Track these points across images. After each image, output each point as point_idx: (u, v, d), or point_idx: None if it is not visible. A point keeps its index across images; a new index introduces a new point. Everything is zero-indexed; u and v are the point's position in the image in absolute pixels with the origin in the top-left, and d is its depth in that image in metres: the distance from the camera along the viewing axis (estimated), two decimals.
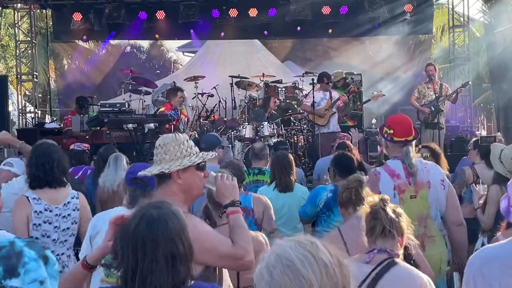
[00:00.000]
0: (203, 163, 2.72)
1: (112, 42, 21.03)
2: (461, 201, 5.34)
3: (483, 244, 4.43)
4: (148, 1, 13.03)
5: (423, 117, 10.21)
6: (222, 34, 14.05)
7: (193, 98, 11.42)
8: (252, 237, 3.37)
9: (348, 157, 4.98)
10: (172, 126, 8.99)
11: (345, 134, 7.89)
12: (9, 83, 14.48)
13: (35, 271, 1.48)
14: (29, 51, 14.23)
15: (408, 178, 4.05)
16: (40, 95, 15.27)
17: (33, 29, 14.12)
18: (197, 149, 2.75)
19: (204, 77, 11.97)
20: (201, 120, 11.12)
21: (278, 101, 10.97)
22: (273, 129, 9.67)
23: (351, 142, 7.11)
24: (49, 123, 11.63)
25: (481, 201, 4.85)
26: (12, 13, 15.05)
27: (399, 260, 2.73)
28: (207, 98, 11.65)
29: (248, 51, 18.28)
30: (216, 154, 2.94)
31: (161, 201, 2.20)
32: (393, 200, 3.12)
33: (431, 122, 10.07)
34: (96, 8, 12.93)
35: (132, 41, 25.43)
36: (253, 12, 13.11)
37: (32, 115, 14.34)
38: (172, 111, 9.33)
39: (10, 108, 13.94)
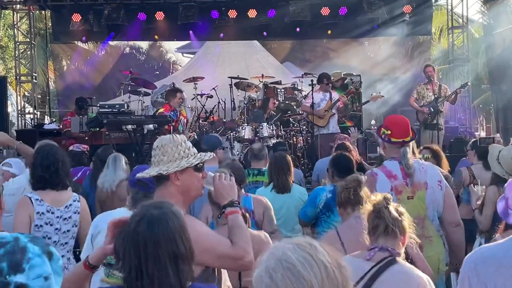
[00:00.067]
0: (201, 164, 2.72)
1: (111, 43, 21.08)
2: (458, 202, 5.35)
3: (480, 245, 4.44)
4: (147, 2, 13.04)
5: (422, 118, 10.23)
6: (221, 35, 14.06)
7: (192, 99, 11.41)
8: (255, 235, 3.38)
9: (347, 157, 4.99)
10: (171, 127, 9.00)
11: (345, 135, 7.90)
12: (8, 84, 14.50)
13: (40, 267, 1.48)
14: (28, 52, 14.23)
15: (405, 179, 4.05)
16: (39, 96, 15.25)
17: (32, 30, 14.12)
18: (195, 150, 2.75)
19: (203, 78, 11.96)
20: (200, 121, 11.12)
21: (277, 102, 10.98)
22: (272, 130, 9.68)
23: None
24: (48, 124, 11.62)
25: (479, 202, 4.86)
26: (11, 14, 15.06)
27: (400, 259, 2.74)
28: (206, 99, 11.65)
29: (247, 52, 18.30)
30: (214, 154, 2.94)
31: (162, 201, 2.20)
32: None
33: (430, 123, 10.09)
34: (95, 9, 12.93)
35: (131, 42, 25.49)
36: (252, 13, 13.12)
37: (31, 116, 14.33)
38: (171, 112, 9.33)
39: (9, 109, 13.91)
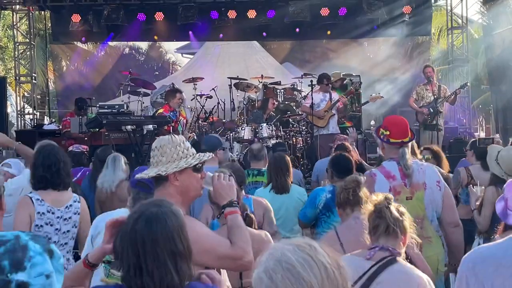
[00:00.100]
0: (200, 165, 2.72)
1: (110, 43, 21.11)
2: (457, 202, 5.35)
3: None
4: (146, 3, 13.04)
5: (421, 118, 10.23)
6: (221, 35, 14.06)
7: (191, 100, 11.42)
8: (255, 234, 3.38)
9: (346, 157, 4.99)
10: (171, 127, 9.00)
11: (344, 136, 7.90)
12: (7, 85, 14.50)
13: (41, 265, 1.48)
14: (28, 53, 14.23)
15: (404, 180, 4.05)
16: (38, 96, 15.26)
17: (31, 30, 14.12)
18: (193, 150, 2.75)
19: (203, 78, 11.96)
20: (199, 121, 11.12)
21: (276, 103, 10.98)
22: (272, 130, 9.68)
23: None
24: (48, 124, 11.62)
25: (478, 203, 4.86)
26: (11, 15, 15.05)
27: (400, 259, 2.74)
28: (206, 99, 11.65)
29: (246, 52, 18.31)
30: (212, 155, 2.94)
31: (161, 199, 2.20)
32: None
33: (430, 123, 10.09)
34: (94, 9, 12.93)
35: (130, 43, 25.51)
36: (251, 14, 13.12)
37: (31, 116, 14.33)
38: (171, 113, 9.33)
39: (9, 110, 13.91)
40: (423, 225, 3.98)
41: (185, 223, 2.05)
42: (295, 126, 10.89)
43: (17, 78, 14.60)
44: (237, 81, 11.71)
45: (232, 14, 13.06)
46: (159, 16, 13.09)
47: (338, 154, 5.20)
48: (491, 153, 4.72)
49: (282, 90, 11.57)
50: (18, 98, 14.94)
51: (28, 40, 14.22)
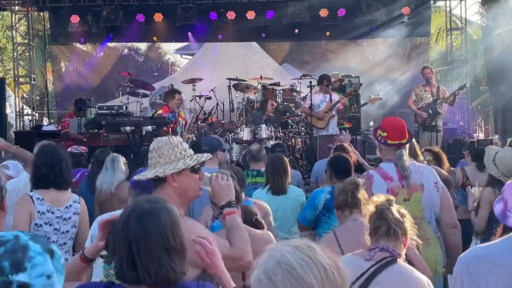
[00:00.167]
0: (198, 165, 2.72)
1: (109, 44, 21.05)
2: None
3: None
4: (145, 4, 13.04)
5: (420, 119, 10.22)
6: (220, 36, 14.07)
7: (190, 101, 11.41)
8: (258, 234, 3.37)
9: (344, 158, 4.97)
10: (170, 128, 9.00)
11: (344, 137, 7.88)
12: (6, 86, 14.47)
13: (42, 265, 1.47)
14: (27, 54, 14.24)
15: (401, 181, 4.05)
16: (37, 97, 15.27)
17: (30, 31, 14.13)
18: (191, 151, 2.74)
19: (202, 79, 11.96)
20: (198, 122, 11.12)
21: (275, 104, 10.97)
22: (271, 131, 9.68)
23: None
24: (47, 125, 11.62)
25: (475, 204, 4.86)
26: (10, 16, 15.04)
27: (400, 260, 2.74)
28: (205, 100, 11.65)
29: (245, 53, 18.31)
30: (210, 155, 2.93)
31: (155, 196, 2.20)
32: None
33: (429, 124, 10.09)
34: (93, 10, 12.93)
35: (129, 44, 25.49)
36: (250, 15, 13.13)
37: (30, 117, 14.33)
38: (170, 114, 9.33)
39: (8, 111, 13.88)
40: (421, 226, 3.97)
41: (179, 219, 2.06)
42: (294, 127, 10.88)
43: (16, 79, 14.59)
44: (236, 82, 11.70)
45: (231, 15, 13.07)
46: (158, 17, 13.10)
47: (337, 155, 5.19)
48: (489, 154, 4.72)
49: (281, 91, 11.56)
50: (17, 99, 14.94)
51: (27, 41, 14.23)
